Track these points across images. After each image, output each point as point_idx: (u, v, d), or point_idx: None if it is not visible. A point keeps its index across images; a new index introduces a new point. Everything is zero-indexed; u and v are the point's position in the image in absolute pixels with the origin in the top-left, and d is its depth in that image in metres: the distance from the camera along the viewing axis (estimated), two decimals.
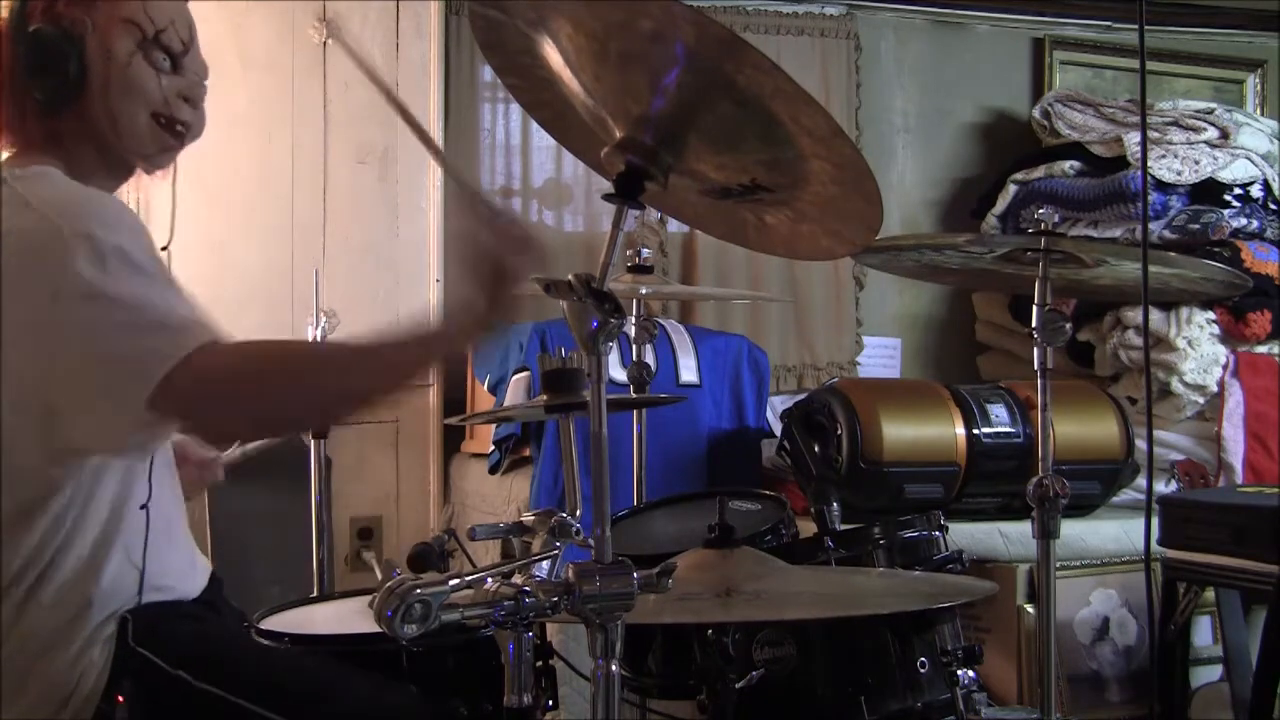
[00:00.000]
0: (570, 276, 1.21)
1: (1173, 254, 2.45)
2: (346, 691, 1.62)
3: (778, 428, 3.37)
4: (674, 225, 4.02)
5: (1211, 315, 3.61)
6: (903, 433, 3.06)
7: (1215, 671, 3.26)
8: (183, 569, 1.70)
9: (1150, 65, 4.18)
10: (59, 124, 1.62)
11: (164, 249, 1.76)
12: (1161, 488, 3.48)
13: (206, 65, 1.74)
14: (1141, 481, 3.23)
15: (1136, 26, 1.83)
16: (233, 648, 1.68)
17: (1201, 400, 3.61)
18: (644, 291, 2.74)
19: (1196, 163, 3.70)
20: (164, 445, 1.67)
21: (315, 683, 1.63)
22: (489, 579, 1.22)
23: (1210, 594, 3.12)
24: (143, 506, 1.58)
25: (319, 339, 2.70)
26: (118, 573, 1.57)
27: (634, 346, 2.73)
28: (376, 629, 1.15)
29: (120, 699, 1.52)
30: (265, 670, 1.63)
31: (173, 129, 1.67)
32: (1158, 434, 3.58)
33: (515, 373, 3.27)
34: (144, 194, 1.85)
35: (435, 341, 1.51)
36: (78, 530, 1.54)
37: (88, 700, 1.52)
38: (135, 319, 1.44)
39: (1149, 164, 3.62)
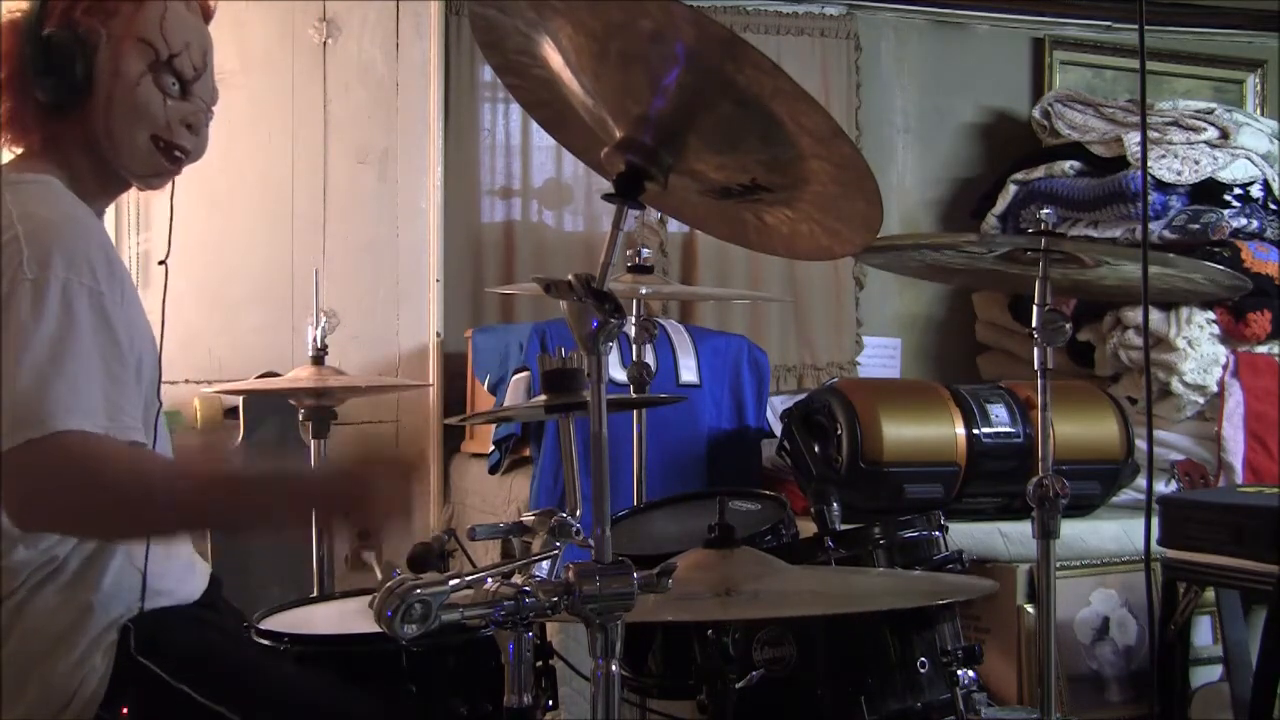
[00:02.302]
0: (570, 276, 1.21)
1: (1172, 255, 2.45)
2: (344, 703, 1.62)
3: (778, 428, 3.37)
4: (674, 225, 4.02)
5: (1211, 315, 3.61)
6: (903, 433, 3.06)
7: (1215, 671, 3.26)
8: (182, 572, 1.70)
9: (1150, 65, 4.19)
10: (59, 129, 1.62)
11: (161, 263, 1.75)
12: (1161, 488, 3.48)
13: (217, 91, 1.74)
14: (1141, 481, 3.23)
15: (1136, 26, 1.83)
16: (234, 658, 1.68)
17: (1201, 400, 3.61)
18: (644, 291, 2.74)
19: (1196, 163, 3.70)
20: (164, 446, 1.67)
21: (316, 695, 1.63)
22: (489, 579, 1.22)
23: (1210, 594, 3.12)
24: None
25: (320, 338, 2.69)
26: (119, 576, 1.57)
27: (634, 346, 2.73)
28: (376, 629, 1.15)
29: (125, 711, 1.52)
30: (267, 683, 1.64)
31: (170, 153, 1.66)
32: (1158, 434, 3.58)
33: (515, 373, 3.27)
34: (144, 199, 1.85)
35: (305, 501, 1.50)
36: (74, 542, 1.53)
37: (88, 705, 1.52)
38: (33, 374, 1.39)
39: (1149, 164, 3.62)
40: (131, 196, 1.82)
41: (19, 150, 1.65)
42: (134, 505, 1.42)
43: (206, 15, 1.74)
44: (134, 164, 1.66)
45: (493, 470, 3.39)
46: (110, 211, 2.12)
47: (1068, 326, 1.94)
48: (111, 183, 1.69)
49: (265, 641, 1.78)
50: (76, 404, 1.39)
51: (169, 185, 1.73)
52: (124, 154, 1.64)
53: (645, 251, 2.77)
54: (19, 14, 1.63)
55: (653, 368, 2.75)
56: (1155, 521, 2.80)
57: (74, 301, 1.44)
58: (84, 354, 1.43)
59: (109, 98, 1.61)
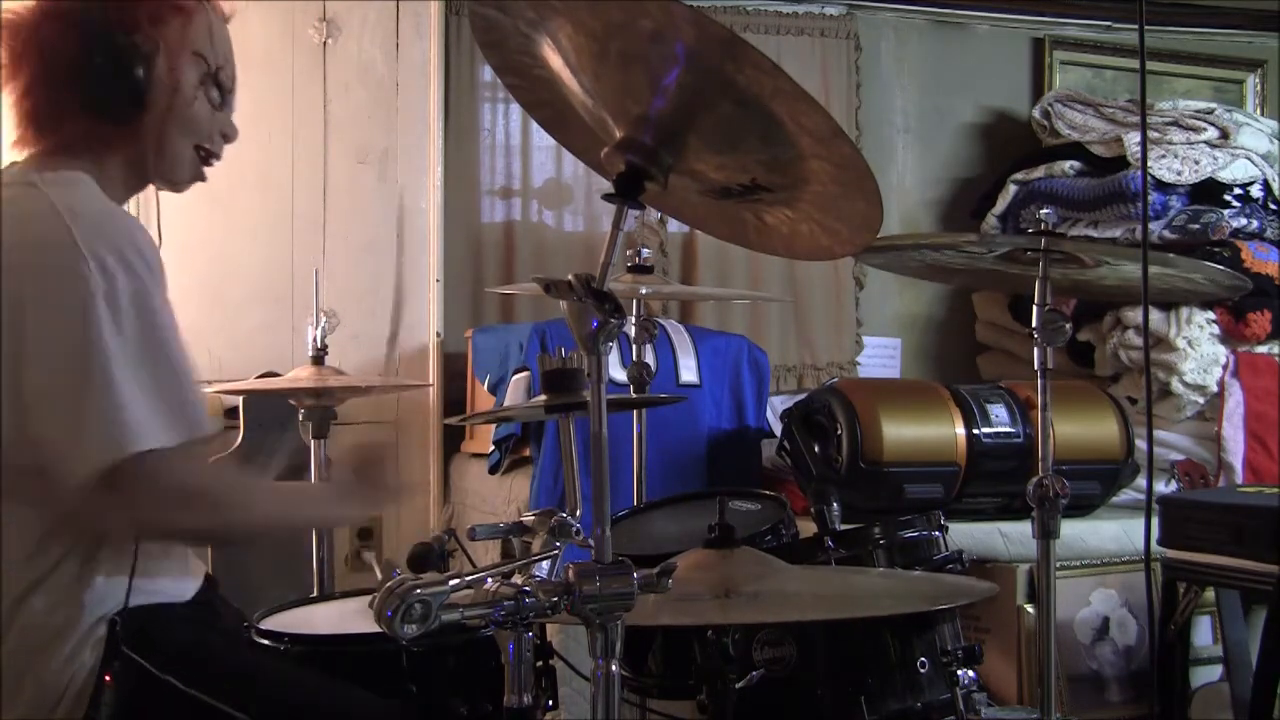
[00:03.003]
0: (570, 276, 1.21)
1: (1172, 255, 2.45)
2: (339, 702, 1.62)
3: (778, 428, 3.37)
4: (674, 225, 4.02)
5: (1211, 315, 3.61)
6: (903, 433, 3.06)
7: (1215, 671, 3.26)
8: (176, 572, 1.69)
9: (1150, 65, 4.19)
10: (99, 131, 1.59)
11: None
12: (1161, 488, 3.48)
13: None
14: (1141, 481, 3.23)
15: (1136, 26, 1.83)
16: (225, 654, 1.67)
17: (1201, 400, 3.61)
18: (644, 291, 2.74)
19: (1196, 163, 3.70)
20: None
21: (307, 692, 1.63)
22: (489, 579, 1.22)
23: (1210, 594, 3.12)
24: None
25: (320, 338, 2.69)
26: (110, 575, 1.56)
27: (634, 346, 2.73)
28: (376, 629, 1.15)
29: (109, 678, 1.52)
30: (256, 678, 1.63)
31: (208, 161, 1.69)
32: (1158, 434, 3.58)
33: (515, 373, 3.27)
34: (145, 200, 1.86)
35: (334, 509, 1.77)
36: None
37: (78, 700, 1.52)
38: (114, 393, 1.42)
39: (1149, 164, 3.62)
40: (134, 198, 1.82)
41: (39, 148, 1.61)
42: (225, 510, 1.56)
43: (226, 21, 1.74)
44: (175, 172, 1.67)
45: (493, 470, 3.39)
46: None
47: (1068, 326, 1.94)
48: (135, 183, 1.68)
49: (265, 641, 1.78)
50: (151, 420, 1.44)
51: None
52: (171, 163, 1.65)
53: (645, 251, 2.77)
54: (55, 7, 1.59)
55: (653, 368, 2.75)
56: (1155, 521, 2.80)
57: (144, 299, 1.45)
58: (155, 363, 1.46)
59: (168, 110, 1.61)
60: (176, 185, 1.71)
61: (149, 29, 1.58)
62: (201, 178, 1.71)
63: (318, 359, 2.70)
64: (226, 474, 1.77)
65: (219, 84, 1.67)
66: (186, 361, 1.51)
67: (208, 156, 1.69)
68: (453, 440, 3.70)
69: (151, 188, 1.72)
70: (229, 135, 1.71)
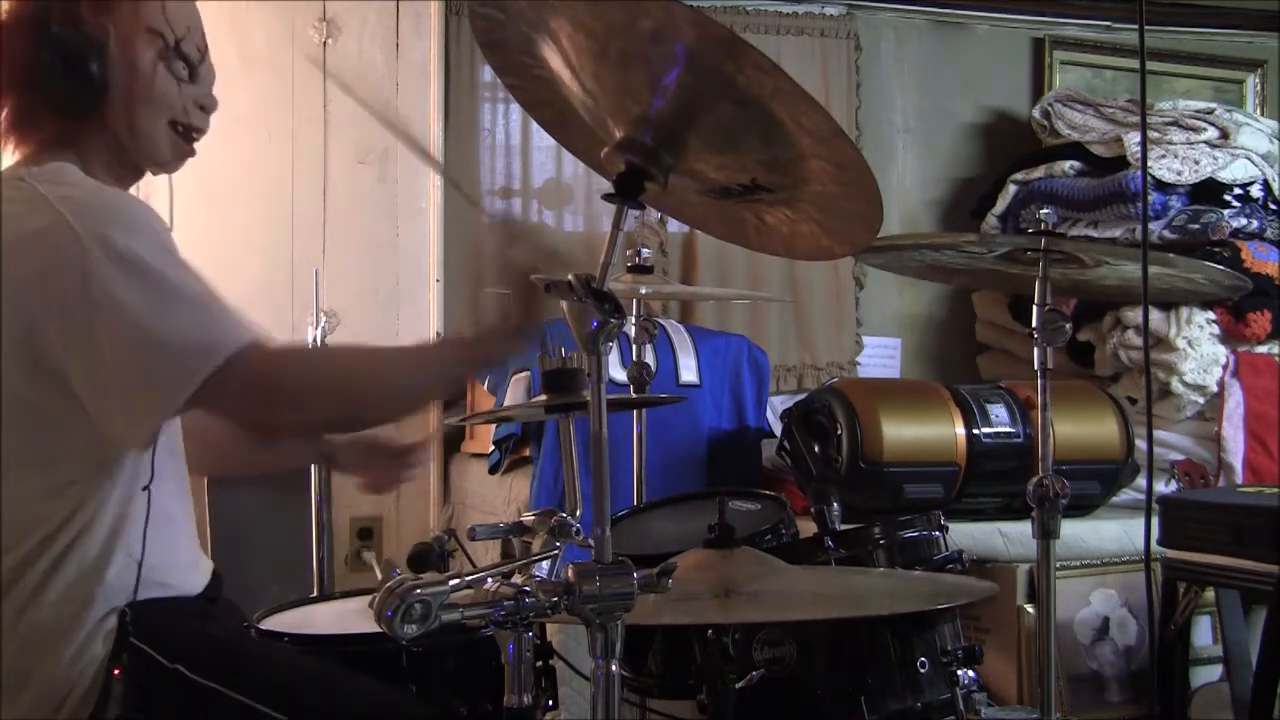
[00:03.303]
0: (570, 276, 1.21)
1: (1172, 255, 2.45)
2: (346, 691, 1.62)
3: (778, 428, 3.37)
4: (674, 225, 4.02)
5: (1211, 315, 3.61)
6: (903, 433, 3.06)
7: (1215, 671, 3.26)
8: (186, 566, 1.70)
9: (1150, 65, 4.19)
10: (73, 126, 1.62)
11: None
12: (1161, 488, 3.48)
13: (214, 70, 1.75)
14: (1141, 481, 3.23)
15: (1136, 26, 1.83)
16: (233, 644, 1.68)
17: (1201, 400, 3.61)
18: (644, 291, 2.74)
19: (1196, 163, 3.70)
20: (173, 435, 1.67)
21: (315, 681, 1.63)
22: (489, 579, 1.22)
23: (1210, 594, 3.12)
24: (145, 488, 1.58)
25: (319, 340, 2.69)
26: (121, 567, 1.57)
27: (634, 346, 2.73)
28: (376, 629, 1.15)
29: (118, 672, 1.52)
30: (265, 667, 1.63)
31: (189, 136, 1.69)
32: (1158, 434, 3.58)
33: (515, 373, 3.27)
34: (143, 187, 1.86)
35: (477, 347, 1.65)
36: (89, 528, 1.54)
37: (86, 696, 1.52)
38: (163, 322, 1.46)
39: (1149, 164, 3.62)
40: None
41: (23, 151, 1.64)
42: (347, 382, 1.57)
43: None
44: (156, 152, 1.68)
45: (493, 470, 3.39)
46: None
47: (1068, 326, 1.94)
48: (126, 171, 1.70)
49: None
50: (231, 325, 1.49)
51: (167, 182, 1.75)
52: (145, 143, 1.66)
53: (645, 251, 2.77)
54: (16, 13, 1.63)
55: (653, 368, 2.75)
56: (1155, 521, 2.80)
57: (148, 261, 1.47)
58: (195, 285, 1.51)
59: (128, 93, 1.62)
60: (163, 166, 1.72)
61: (96, 19, 1.60)
62: (186, 154, 1.72)
63: None
64: (340, 349, 1.74)
65: (183, 56, 1.66)
66: (217, 295, 1.55)
67: (187, 131, 1.68)
68: (453, 440, 3.70)
69: (169, 187, 1.73)
70: (206, 106, 1.71)
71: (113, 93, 1.61)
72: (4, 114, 1.63)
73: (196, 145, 1.73)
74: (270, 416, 1.56)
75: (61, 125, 1.62)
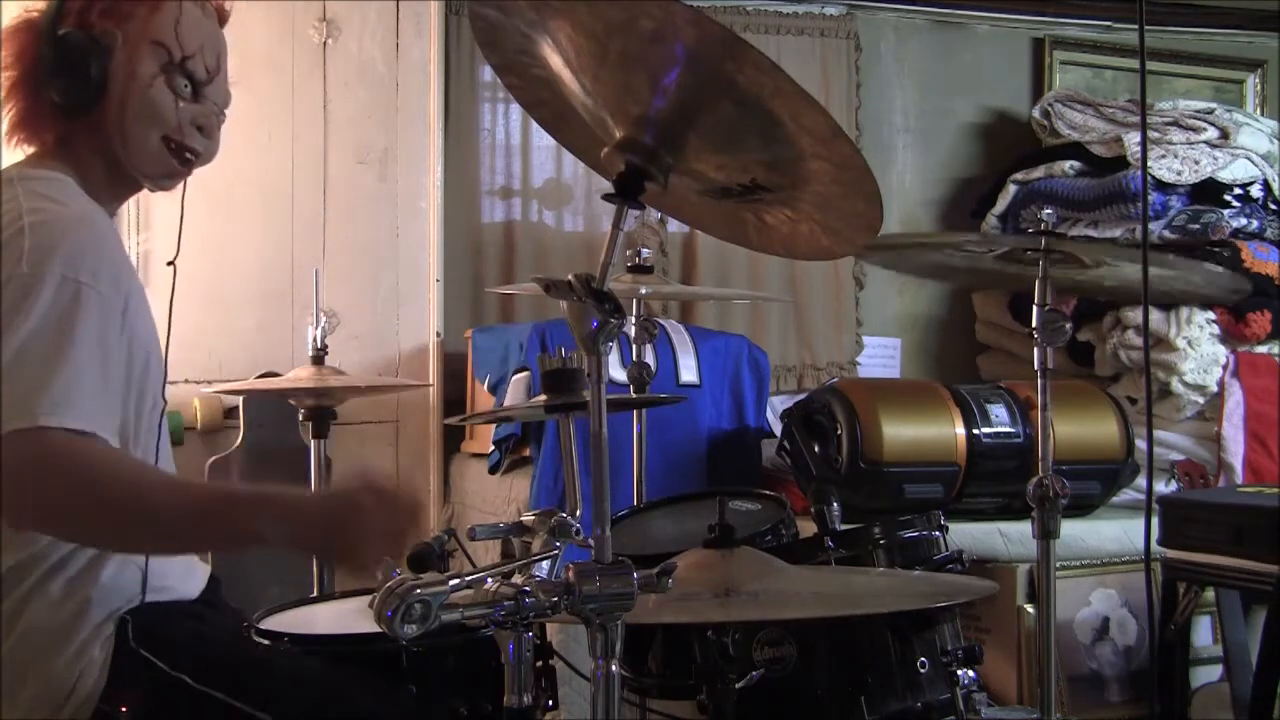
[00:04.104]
0: (570, 276, 1.21)
1: (1172, 255, 2.45)
2: (347, 695, 1.62)
3: (778, 428, 3.37)
4: (674, 225, 4.02)
5: (1211, 315, 3.61)
6: (903, 433, 3.06)
7: (1215, 671, 3.26)
8: (182, 570, 1.70)
9: (1150, 65, 4.19)
10: (72, 129, 1.63)
11: (170, 263, 1.76)
12: (1161, 488, 3.48)
13: (230, 95, 1.75)
14: (1141, 481, 3.23)
15: (1136, 26, 1.83)
16: (233, 650, 1.68)
17: (1201, 400, 3.61)
18: (644, 291, 2.74)
19: (1196, 163, 3.70)
20: (165, 447, 1.67)
21: (314, 687, 1.63)
22: (489, 579, 1.22)
23: (1210, 594, 3.12)
24: None
25: (320, 338, 2.69)
26: (119, 571, 1.57)
27: (634, 346, 2.73)
28: (376, 629, 1.15)
29: (124, 709, 1.52)
30: (265, 673, 1.63)
31: (181, 155, 1.68)
32: (1158, 434, 3.58)
33: (515, 373, 3.27)
34: (145, 199, 1.85)
35: (270, 523, 1.44)
36: None
37: (87, 700, 1.52)
38: (25, 356, 1.39)
39: (1149, 164, 3.62)
40: (133, 197, 1.83)
41: (31, 150, 1.66)
42: (122, 510, 1.39)
43: (221, 19, 1.75)
44: (145, 165, 1.67)
45: (493, 470, 3.39)
46: None
47: (1068, 326, 1.94)
48: (123, 184, 1.70)
49: (265, 641, 1.77)
50: (66, 401, 1.37)
51: (179, 186, 1.74)
52: (135, 155, 1.65)
53: (645, 251, 2.77)
54: (34, 14, 1.64)
55: (653, 368, 2.75)
56: (1155, 521, 2.80)
57: (70, 300, 1.43)
58: (76, 354, 1.41)
59: (123, 99, 1.62)
60: (155, 181, 1.71)
61: (105, 24, 1.60)
62: (179, 174, 1.71)
63: (318, 359, 2.70)
64: (157, 476, 1.53)
65: (187, 73, 1.66)
66: (127, 375, 1.49)
67: (180, 149, 1.67)
68: (453, 440, 3.70)
69: (180, 205, 1.72)
70: (205, 128, 1.69)
71: (109, 97, 1.61)
72: (13, 109, 1.63)
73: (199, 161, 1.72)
74: (25, 508, 1.38)
75: (60, 129, 1.63)
